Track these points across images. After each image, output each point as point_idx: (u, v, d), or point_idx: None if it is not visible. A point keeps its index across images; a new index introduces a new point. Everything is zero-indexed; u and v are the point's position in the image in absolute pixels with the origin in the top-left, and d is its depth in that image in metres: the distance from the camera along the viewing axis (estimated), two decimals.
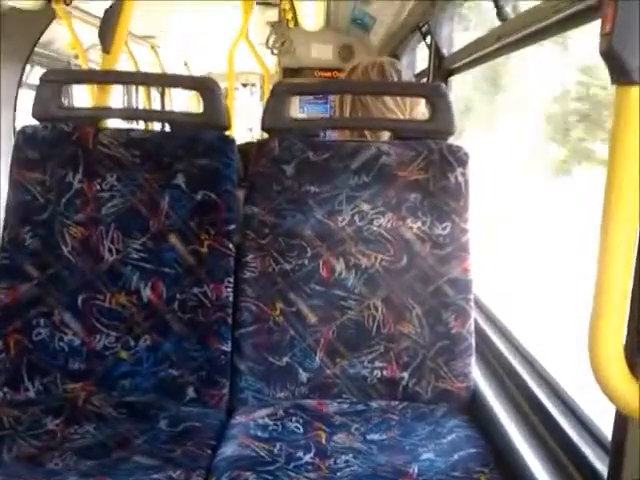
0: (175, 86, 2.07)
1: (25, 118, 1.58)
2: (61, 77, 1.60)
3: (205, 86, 1.54)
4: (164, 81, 2.07)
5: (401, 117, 1.76)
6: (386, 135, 1.70)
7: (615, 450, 0.91)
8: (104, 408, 1.38)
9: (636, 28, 0.69)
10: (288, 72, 4.35)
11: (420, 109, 1.77)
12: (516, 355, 1.48)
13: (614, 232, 0.73)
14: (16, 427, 1.30)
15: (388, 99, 1.73)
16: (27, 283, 1.45)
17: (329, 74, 4.24)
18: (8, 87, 3.24)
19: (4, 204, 1.49)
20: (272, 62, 4.87)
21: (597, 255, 0.76)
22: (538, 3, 1.41)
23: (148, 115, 2.64)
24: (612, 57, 0.71)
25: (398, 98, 1.73)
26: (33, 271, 1.45)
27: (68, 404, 1.38)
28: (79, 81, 2.56)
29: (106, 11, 2.35)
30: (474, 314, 1.47)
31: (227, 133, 1.57)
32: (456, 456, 1.21)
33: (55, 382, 1.42)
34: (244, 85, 7.15)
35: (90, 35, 3.66)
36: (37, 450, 1.22)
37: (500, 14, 1.73)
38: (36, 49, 3.52)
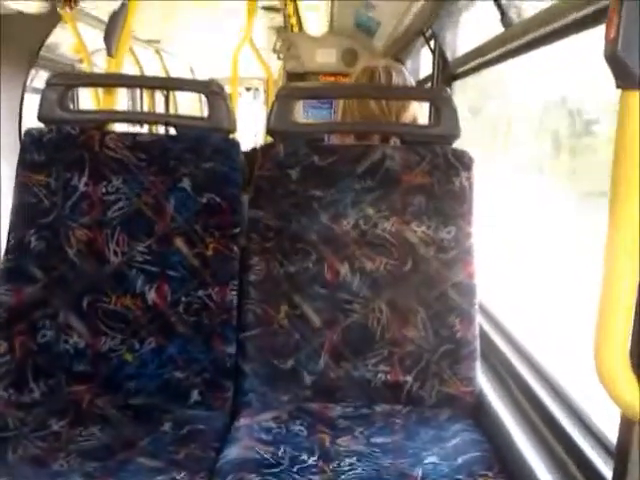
0: (181, 89, 2.08)
1: (29, 123, 1.59)
2: (67, 80, 1.61)
3: (210, 89, 1.55)
4: (170, 84, 2.08)
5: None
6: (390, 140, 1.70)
7: (620, 455, 0.91)
8: (109, 410, 1.39)
9: None
10: (292, 77, 4.36)
11: (408, 115, 1.73)
12: (521, 359, 1.48)
13: (619, 238, 0.73)
14: (21, 428, 1.30)
15: (373, 105, 1.71)
16: (32, 285, 1.45)
17: (333, 79, 4.24)
18: (13, 91, 3.25)
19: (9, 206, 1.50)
20: (276, 67, 4.88)
21: (603, 261, 0.76)
22: (542, 9, 1.42)
23: (154, 118, 2.65)
24: (617, 62, 0.72)
25: (383, 104, 1.70)
26: (38, 273, 1.45)
27: (73, 406, 1.39)
28: (85, 84, 2.57)
29: (111, 15, 2.36)
30: (479, 319, 1.48)
31: (232, 136, 1.58)
32: (460, 460, 1.21)
33: (60, 384, 1.42)
34: (247, 89, 7.17)
35: (95, 39, 3.67)
36: (42, 451, 1.23)
37: (504, 20, 1.74)
38: (41, 53, 3.54)
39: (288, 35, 4.29)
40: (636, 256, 0.73)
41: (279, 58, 4.61)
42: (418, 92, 1.85)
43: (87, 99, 4.52)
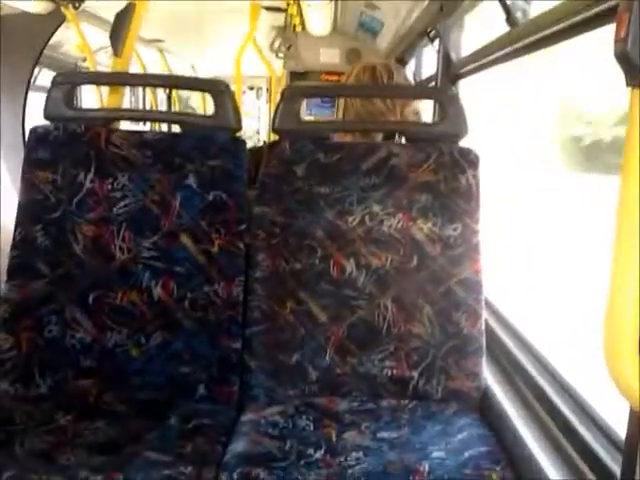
0: (187, 88, 2.09)
1: (33, 121, 1.59)
2: (73, 79, 1.62)
3: (217, 88, 1.55)
4: (175, 83, 2.09)
5: (392, 119, 1.74)
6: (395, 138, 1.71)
7: (628, 449, 0.91)
8: (115, 405, 1.39)
9: None
10: (294, 76, 4.38)
11: (410, 110, 1.74)
12: (526, 355, 1.48)
13: (629, 225, 0.74)
14: (28, 423, 1.31)
15: (378, 102, 1.71)
16: (38, 281, 1.46)
17: (335, 77, 4.26)
18: (17, 89, 3.26)
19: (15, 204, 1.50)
20: (278, 66, 4.90)
21: (612, 251, 0.77)
22: (548, 8, 1.43)
23: (161, 116, 2.65)
24: (627, 61, 0.73)
25: (388, 101, 1.71)
26: (45, 269, 1.46)
27: (79, 400, 1.39)
28: (91, 83, 2.59)
29: (117, 15, 2.37)
30: (485, 314, 1.48)
31: (238, 134, 1.59)
32: (467, 454, 1.22)
33: (66, 379, 1.43)
34: (250, 88, 7.17)
35: (98, 38, 3.68)
36: (49, 445, 1.23)
37: (509, 19, 1.74)
38: (44, 52, 3.54)
39: (290, 34, 4.30)
40: None
41: (277, 57, 4.63)
42: (424, 90, 1.86)
43: (89, 98, 4.54)
